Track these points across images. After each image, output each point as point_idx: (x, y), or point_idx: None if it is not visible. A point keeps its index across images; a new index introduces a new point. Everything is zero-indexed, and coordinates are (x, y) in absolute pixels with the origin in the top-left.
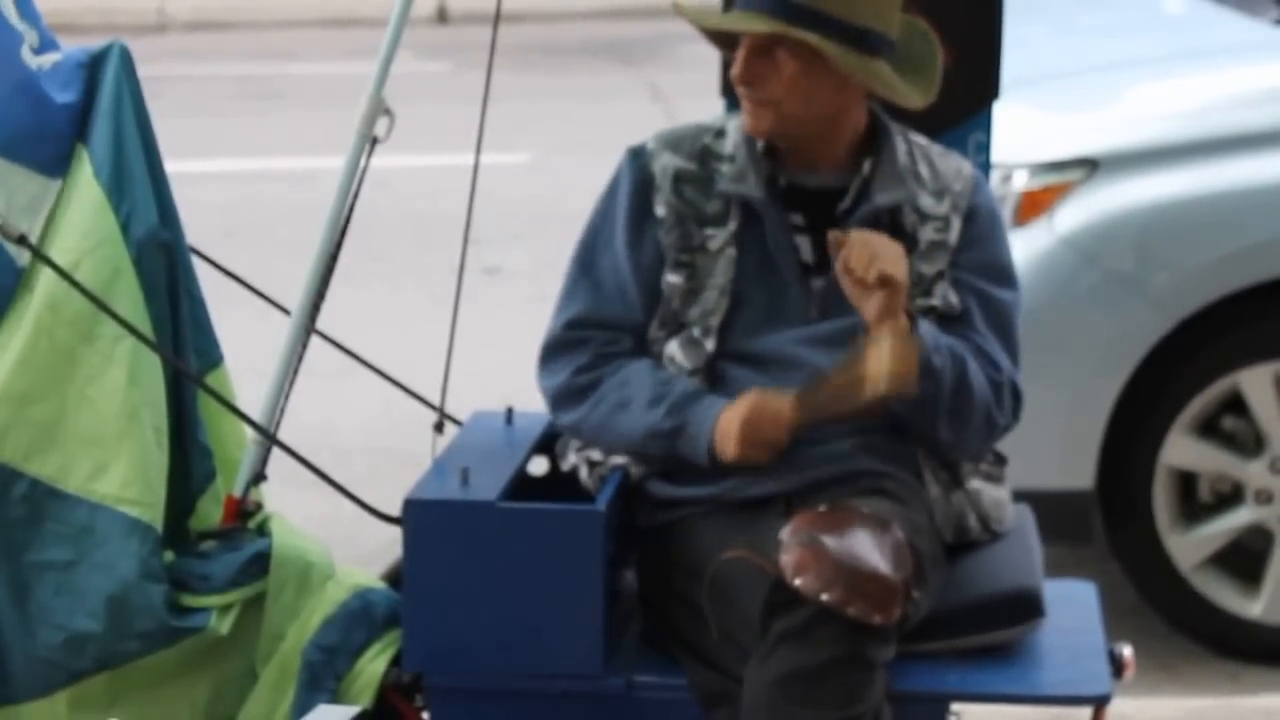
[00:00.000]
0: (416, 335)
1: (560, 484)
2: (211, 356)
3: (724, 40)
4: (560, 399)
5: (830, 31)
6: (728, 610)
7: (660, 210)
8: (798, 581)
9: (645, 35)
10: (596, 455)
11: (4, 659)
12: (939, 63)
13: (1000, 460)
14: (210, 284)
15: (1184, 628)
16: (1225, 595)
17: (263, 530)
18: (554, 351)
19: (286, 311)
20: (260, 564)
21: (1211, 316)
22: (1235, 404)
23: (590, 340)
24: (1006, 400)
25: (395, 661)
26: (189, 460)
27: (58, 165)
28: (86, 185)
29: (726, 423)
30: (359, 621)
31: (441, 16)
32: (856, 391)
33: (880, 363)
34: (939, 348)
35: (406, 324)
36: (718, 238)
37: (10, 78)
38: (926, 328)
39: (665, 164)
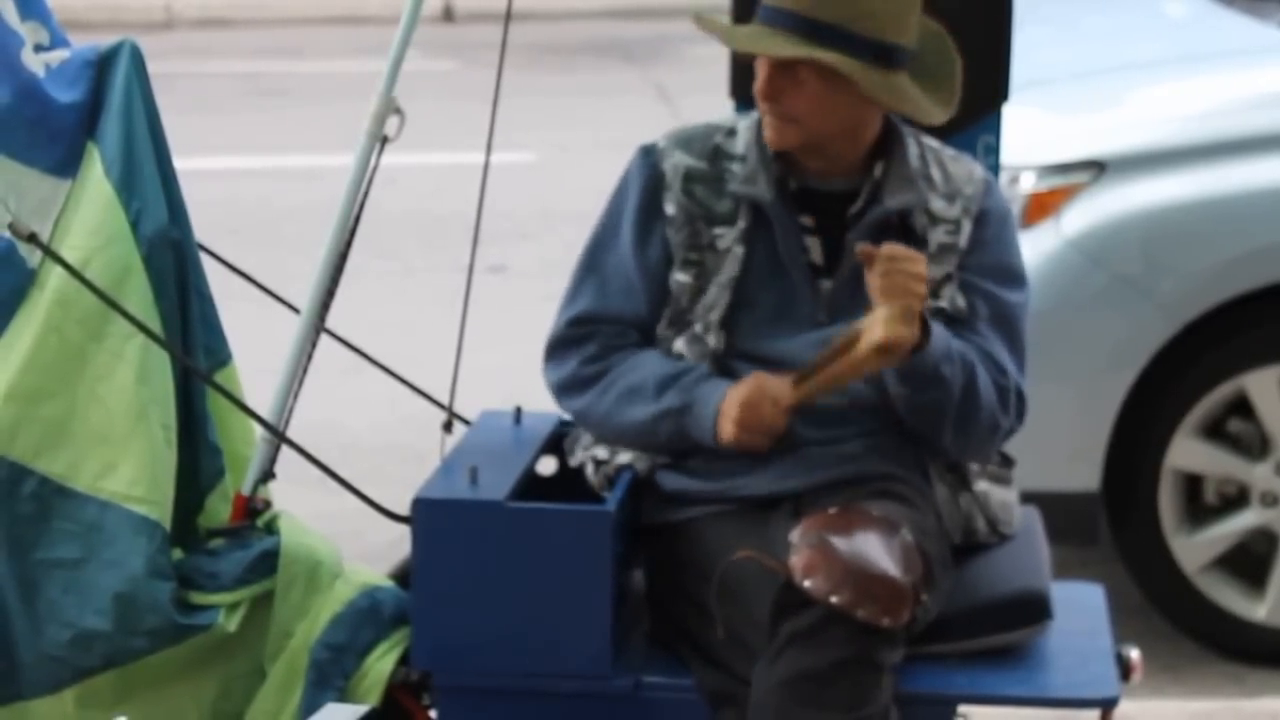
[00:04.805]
0: (421, 334)
1: (569, 484)
2: (220, 355)
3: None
4: (567, 387)
5: (855, 50)
6: (736, 611)
7: (670, 209)
8: (807, 583)
9: (651, 35)
10: (603, 454)
11: (12, 656)
12: (958, 71)
13: (1008, 462)
14: (215, 281)
15: (1188, 630)
16: (1230, 598)
17: (271, 528)
18: (559, 347)
19: (295, 309)
20: (269, 562)
21: (1218, 319)
22: (1241, 407)
23: (595, 335)
24: (1011, 404)
25: (403, 660)
26: (198, 458)
27: (67, 166)
28: (97, 183)
29: (727, 404)
30: (367, 620)
31: (447, 15)
32: (850, 359)
33: (875, 328)
34: (950, 356)
35: (410, 322)
36: (726, 237)
37: (12, 82)
38: (940, 335)
39: (676, 163)
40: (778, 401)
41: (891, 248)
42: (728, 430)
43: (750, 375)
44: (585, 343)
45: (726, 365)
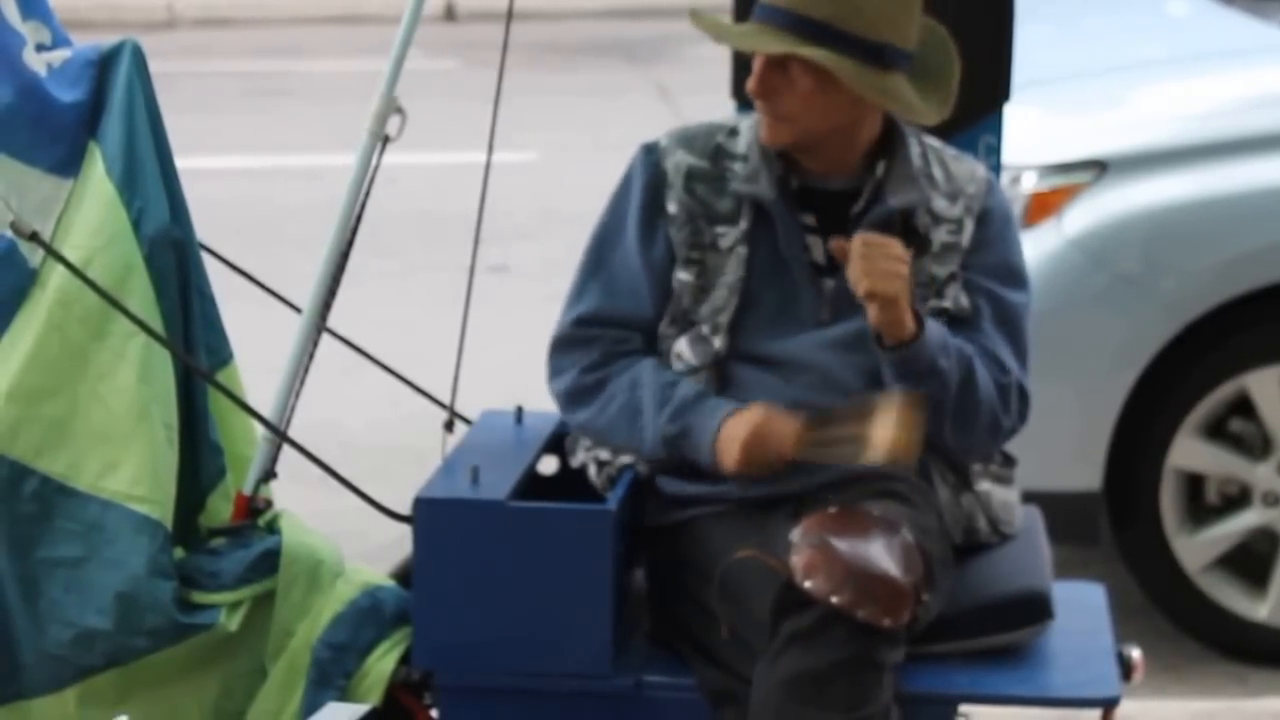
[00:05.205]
0: (422, 333)
1: (570, 483)
2: (222, 354)
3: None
4: (568, 398)
5: (846, 48)
6: (737, 610)
7: (672, 207)
8: (808, 583)
9: (653, 34)
10: (605, 455)
11: (14, 655)
12: (956, 73)
13: (1009, 462)
14: (217, 280)
15: (1190, 630)
16: (1232, 597)
17: (273, 527)
18: (562, 348)
19: (296, 309)
20: (270, 561)
21: (1220, 319)
22: (1243, 406)
23: (598, 339)
24: (1013, 403)
25: (404, 659)
26: (199, 457)
27: (69, 165)
28: (98, 183)
29: (729, 437)
30: (368, 619)
31: (449, 14)
32: (857, 451)
33: (885, 431)
34: (946, 349)
35: (412, 322)
36: (728, 236)
37: (14, 81)
38: (934, 327)
39: (678, 161)
40: (782, 446)
41: (864, 236)
42: (729, 463)
43: (756, 407)
44: (588, 347)
45: (729, 367)
